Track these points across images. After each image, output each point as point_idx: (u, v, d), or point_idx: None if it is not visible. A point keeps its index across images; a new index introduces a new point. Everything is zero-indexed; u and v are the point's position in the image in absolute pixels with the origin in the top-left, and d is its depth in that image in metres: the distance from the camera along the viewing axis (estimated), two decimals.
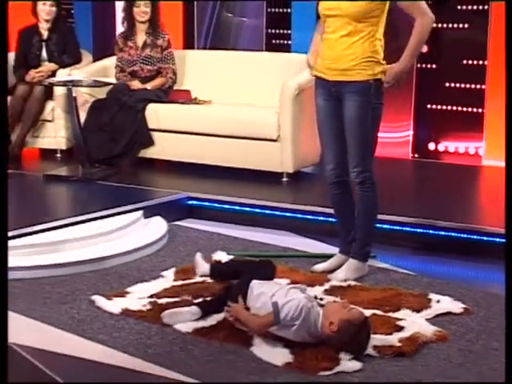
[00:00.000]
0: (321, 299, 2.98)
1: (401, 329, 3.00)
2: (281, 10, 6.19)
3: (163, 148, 5.33)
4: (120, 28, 5.89)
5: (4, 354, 2.25)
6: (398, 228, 4.12)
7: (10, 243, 3.73)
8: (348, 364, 2.72)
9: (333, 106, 3.51)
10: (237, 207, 4.53)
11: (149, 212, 4.37)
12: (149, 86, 5.54)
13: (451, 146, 5.72)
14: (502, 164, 3.95)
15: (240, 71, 5.59)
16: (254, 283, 3.06)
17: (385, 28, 3.45)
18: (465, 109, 5.62)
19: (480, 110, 5.54)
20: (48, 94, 5.66)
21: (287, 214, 4.41)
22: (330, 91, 3.50)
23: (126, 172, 5.22)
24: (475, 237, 3.97)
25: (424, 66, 5.71)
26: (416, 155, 5.84)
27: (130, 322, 3.08)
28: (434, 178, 5.28)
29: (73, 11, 6.77)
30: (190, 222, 4.53)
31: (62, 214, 4.38)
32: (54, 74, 5.72)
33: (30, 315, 3.14)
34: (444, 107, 5.71)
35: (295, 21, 5.91)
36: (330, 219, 3.99)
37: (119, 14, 5.96)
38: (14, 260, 3.61)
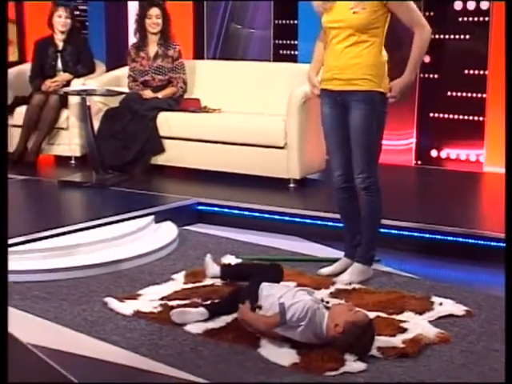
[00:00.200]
0: (327, 302, 3.00)
1: (404, 331, 3.02)
2: (288, 21, 6.21)
3: (174, 155, 5.36)
4: (132, 39, 5.92)
5: (4, 354, 2.24)
6: (401, 233, 4.13)
7: (28, 247, 3.81)
8: (353, 365, 2.75)
9: (338, 114, 3.53)
10: (245, 212, 4.54)
11: (160, 217, 4.39)
12: (160, 95, 5.57)
13: (453, 153, 5.71)
14: (503, 170, 3.90)
15: (248, 81, 5.62)
16: (264, 285, 3.10)
17: (389, 39, 3.49)
18: (466, 117, 5.61)
19: (481, 119, 5.53)
20: (63, 102, 5.71)
21: (294, 219, 4.42)
22: (336, 100, 3.52)
23: (138, 178, 5.25)
24: (477, 241, 3.99)
25: (426, 75, 5.69)
26: (419, 162, 5.84)
27: (142, 324, 3.10)
28: (436, 185, 5.28)
29: (87, 23, 6.86)
30: (199, 226, 4.56)
31: (76, 219, 4.42)
32: (68, 83, 5.78)
33: (45, 316, 3.18)
34: (446, 116, 5.70)
35: (302, 32, 5.96)
36: (336, 224, 4.01)
37: (131, 26, 5.98)
38: (31, 263, 3.69)
